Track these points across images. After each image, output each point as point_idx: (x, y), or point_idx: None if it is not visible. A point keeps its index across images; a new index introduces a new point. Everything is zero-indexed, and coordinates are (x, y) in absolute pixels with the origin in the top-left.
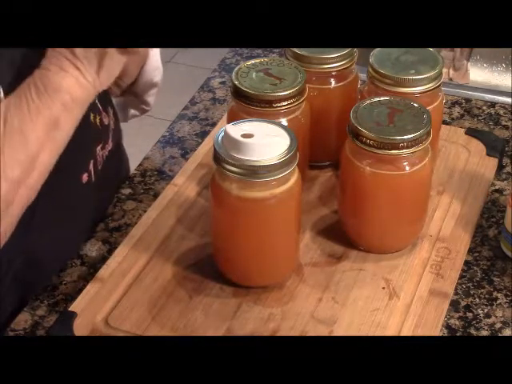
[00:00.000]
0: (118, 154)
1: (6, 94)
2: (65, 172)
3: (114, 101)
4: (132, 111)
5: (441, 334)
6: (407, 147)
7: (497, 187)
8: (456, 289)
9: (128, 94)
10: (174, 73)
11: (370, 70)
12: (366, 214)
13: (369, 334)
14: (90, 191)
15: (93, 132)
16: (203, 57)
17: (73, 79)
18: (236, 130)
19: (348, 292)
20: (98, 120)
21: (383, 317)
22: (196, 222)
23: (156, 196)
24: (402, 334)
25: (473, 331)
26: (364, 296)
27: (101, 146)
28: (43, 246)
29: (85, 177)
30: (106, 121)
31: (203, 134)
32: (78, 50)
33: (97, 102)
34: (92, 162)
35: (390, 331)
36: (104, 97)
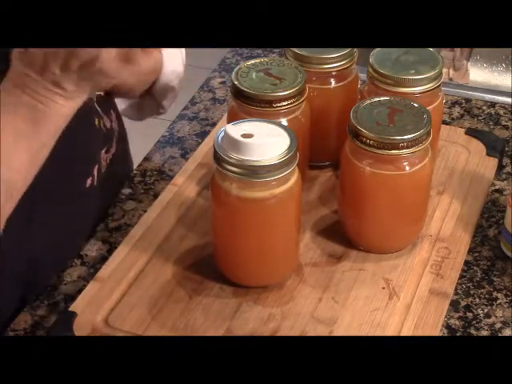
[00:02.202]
0: (123, 157)
1: None
2: (69, 177)
3: (130, 101)
4: (148, 112)
5: (441, 334)
6: (407, 147)
7: (497, 187)
8: (456, 289)
9: (145, 96)
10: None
11: (370, 70)
12: (366, 214)
13: (369, 334)
14: (92, 195)
15: (98, 137)
16: (203, 57)
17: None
18: (236, 129)
19: (348, 292)
20: (101, 124)
21: (383, 317)
22: (196, 222)
23: (156, 196)
24: (402, 334)
25: (473, 331)
26: (364, 296)
27: (105, 150)
28: (44, 247)
29: (88, 181)
30: (108, 125)
31: (203, 134)
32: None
33: (96, 106)
34: (96, 166)
35: (390, 331)
36: (105, 101)
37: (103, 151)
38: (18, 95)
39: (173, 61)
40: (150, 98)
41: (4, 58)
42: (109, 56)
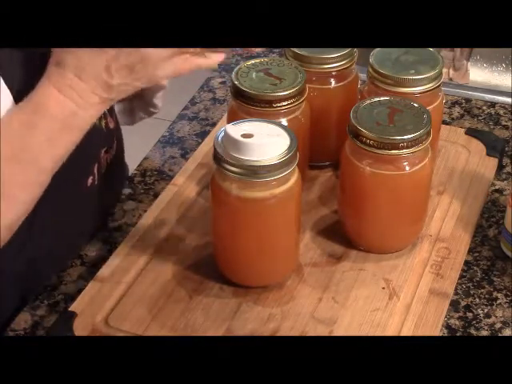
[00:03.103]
0: (120, 158)
1: (18, 93)
2: (70, 176)
3: (120, 105)
4: (139, 114)
5: (441, 334)
6: (407, 147)
7: (497, 187)
8: (456, 289)
9: (135, 97)
10: None
11: (370, 70)
12: (366, 214)
13: (369, 334)
14: (93, 194)
15: (98, 136)
16: None
17: (73, 106)
18: (236, 129)
19: (348, 292)
20: (103, 124)
21: (383, 317)
22: (196, 222)
23: (156, 196)
24: (402, 334)
25: (473, 331)
26: (364, 296)
27: (105, 149)
28: (45, 247)
29: (90, 180)
30: (111, 125)
31: (203, 134)
32: (79, 69)
33: None
34: (97, 165)
35: (390, 331)
36: None
37: (103, 151)
38: (58, 98)
39: None
40: (139, 99)
41: (40, 57)
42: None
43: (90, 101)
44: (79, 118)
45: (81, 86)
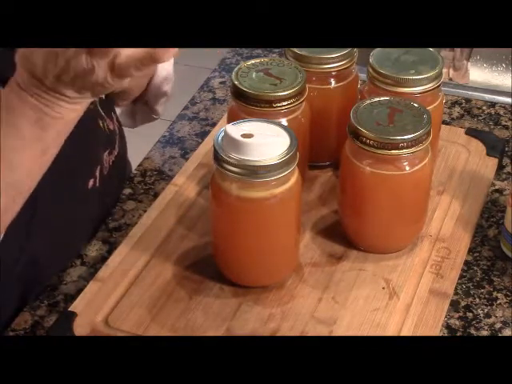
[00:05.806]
0: (123, 159)
1: None
2: (72, 178)
3: (121, 108)
4: (140, 118)
5: (441, 334)
6: (407, 147)
7: (497, 187)
8: (456, 289)
9: (138, 102)
10: (174, 73)
11: (370, 70)
12: (366, 214)
13: (369, 334)
14: (94, 196)
15: (101, 138)
16: (203, 57)
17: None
18: (236, 129)
19: (348, 292)
20: (105, 126)
21: (383, 317)
22: (196, 222)
23: (156, 196)
24: (402, 334)
25: (473, 331)
26: (364, 296)
27: (108, 151)
28: (45, 248)
29: (91, 182)
30: (111, 127)
31: (203, 134)
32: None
33: (99, 108)
34: (99, 167)
35: (390, 331)
36: (106, 103)
37: (106, 153)
38: (25, 98)
39: (165, 66)
40: (143, 104)
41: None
42: (105, 69)
43: (58, 103)
44: (49, 117)
45: (45, 89)
